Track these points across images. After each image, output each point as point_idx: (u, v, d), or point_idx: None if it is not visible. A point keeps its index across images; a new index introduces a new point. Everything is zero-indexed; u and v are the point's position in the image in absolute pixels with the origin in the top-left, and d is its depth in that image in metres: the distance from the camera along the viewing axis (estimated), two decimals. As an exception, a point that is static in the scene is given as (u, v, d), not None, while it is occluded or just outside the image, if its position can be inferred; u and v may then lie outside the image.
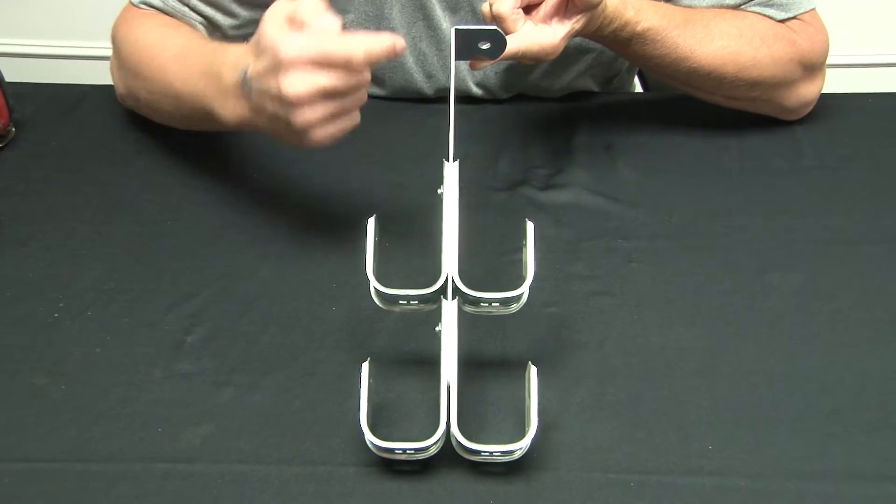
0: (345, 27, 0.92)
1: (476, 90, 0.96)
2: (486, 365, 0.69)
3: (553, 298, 0.74)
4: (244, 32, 0.92)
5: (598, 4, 0.74)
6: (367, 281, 0.63)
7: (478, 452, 0.61)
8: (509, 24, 0.73)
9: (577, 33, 0.76)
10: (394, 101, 0.96)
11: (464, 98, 0.96)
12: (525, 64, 0.83)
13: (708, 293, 0.75)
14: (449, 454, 0.62)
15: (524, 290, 0.63)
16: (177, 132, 0.86)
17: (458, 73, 0.94)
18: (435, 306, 0.64)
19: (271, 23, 0.65)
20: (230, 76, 0.69)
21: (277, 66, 0.64)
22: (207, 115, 0.74)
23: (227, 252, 0.79)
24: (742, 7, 0.88)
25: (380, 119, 0.94)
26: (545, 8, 0.74)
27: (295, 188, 0.85)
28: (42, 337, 0.72)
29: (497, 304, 0.63)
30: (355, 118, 0.68)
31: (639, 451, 0.64)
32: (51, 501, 0.61)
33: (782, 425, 0.65)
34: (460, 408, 0.61)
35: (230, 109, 0.71)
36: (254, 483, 0.62)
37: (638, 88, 1.16)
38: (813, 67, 0.89)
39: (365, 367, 0.61)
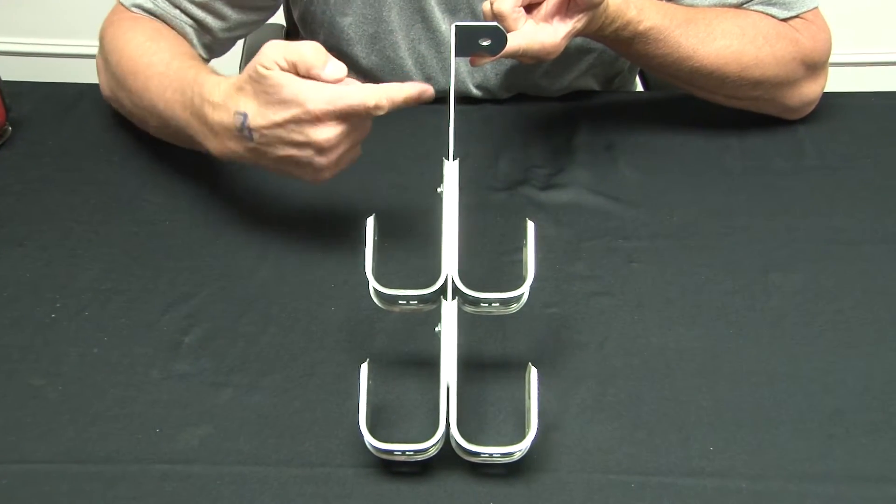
0: (344, 29, 0.93)
1: (476, 91, 0.95)
2: (486, 366, 0.69)
3: (553, 299, 0.74)
4: (233, 35, 0.92)
5: (599, 4, 0.74)
6: (367, 281, 0.63)
7: (477, 454, 0.60)
8: (510, 23, 0.73)
9: (579, 33, 0.76)
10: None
11: (464, 98, 0.95)
12: (526, 65, 0.83)
13: (709, 293, 0.75)
14: (448, 455, 0.61)
15: (524, 290, 0.62)
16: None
17: (458, 75, 0.93)
18: (434, 306, 0.63)
19: (285, 77, 0.65)
20: (217, 117, 0.69)
21: (306, 119, 0.66)
22: (193, 142, 0.74)
23: (226, 252, 0.78)
24: (744, 6, 0.88)
25: (379, 119, 0.93)
26: (546, 7, 0.74)
27: (294, 188, 0.84)
28: (39, 337, 0.71)
29: (497, 305, 0.63)
30: (359, 150, 0.71)
31: (639, 452, 0.63)
32: (48, 502, 0.61)
33: (784, 426, 0.65)
34: (460, 409, 0.61)
35: (220, 147, 0.71)
36: (252, 484, 0.61)
37: (639, 88, 1.16)
38: (815, 66, 0.88)
39: (364, 367, 0.61)
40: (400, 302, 0.63)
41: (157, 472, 0.62)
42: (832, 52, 0.90)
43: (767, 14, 0.87)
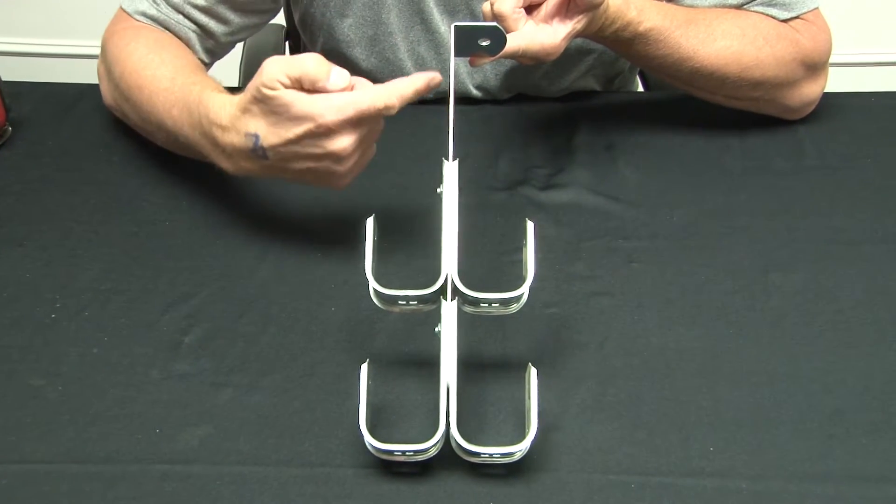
0: (344, 31, 0.93)
1: (476, 92, 0.95)
2: (486, 366, 0.69)
3: (553, 299, 0.74)
4: (235, 38, 0.92)
5: (599, 4, 0.74)
6: (367, 281, 0.63)
7: (477, 454, 0.60)
8: (510, 23, 0.73)
9: (579, 34, 0.76)
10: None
11: (464, 98, 0.95)
12: (525, 65, 0.83)
13: (709, 293, 0.75)
14: (448, 456, 0.61)
15: (524, 290, 0.62)
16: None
17: (457, 76, 0.93)
18: (434, 307, 0.63)
19: (292, 94, 0.65)
20: (227, 139, 0.69)
21: (320, 132, 0.66)
22: (204, 157, 0.74)
23: (226, 252, 0.78)
24: (745, 7, 0.88)
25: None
26: (546, 8, 0.74)
27: (293, 188, 0.84)
28: (39, 337, 0.71)
29: (497, 305, 0.63)
30: (374, 148, 0.72)
31: (639, 452, 0.63)
32: (48, 503, 0.60)
33: (784, 426, 0.65)
34: (460, 409, 0.61)
35: (234, 167, 0.71)
36: (252, 484, 0.61)
37: (639, 88, 1.16)
38: (816, 67, 0.88)
39: (364, 368, 0.61)
40: (400, 302, 0.63)
41: (156, 472, 0.62)
42: (832, 52, 0.90)
43: (768, 15, 0.87)
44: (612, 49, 0.87)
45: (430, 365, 0.64)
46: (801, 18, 0.88)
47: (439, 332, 0.62)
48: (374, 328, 0.72)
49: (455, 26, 0.70)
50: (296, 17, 1.01)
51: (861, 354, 0.70)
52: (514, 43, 0.73)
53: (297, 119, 0.65)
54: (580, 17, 0.74)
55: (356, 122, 0.66)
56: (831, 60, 0.91)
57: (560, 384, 0.67)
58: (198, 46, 0.88)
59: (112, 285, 0.75)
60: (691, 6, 0.87)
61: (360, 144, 0.68)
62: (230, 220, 0.81)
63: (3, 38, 1.85)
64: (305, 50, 1.06)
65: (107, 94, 0.87)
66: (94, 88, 0.94)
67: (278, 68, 0.65)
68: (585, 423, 0.65)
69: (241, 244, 0.79)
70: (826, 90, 0.91)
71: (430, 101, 0.96)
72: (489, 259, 0.78)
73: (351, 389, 0.63)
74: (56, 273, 0.76)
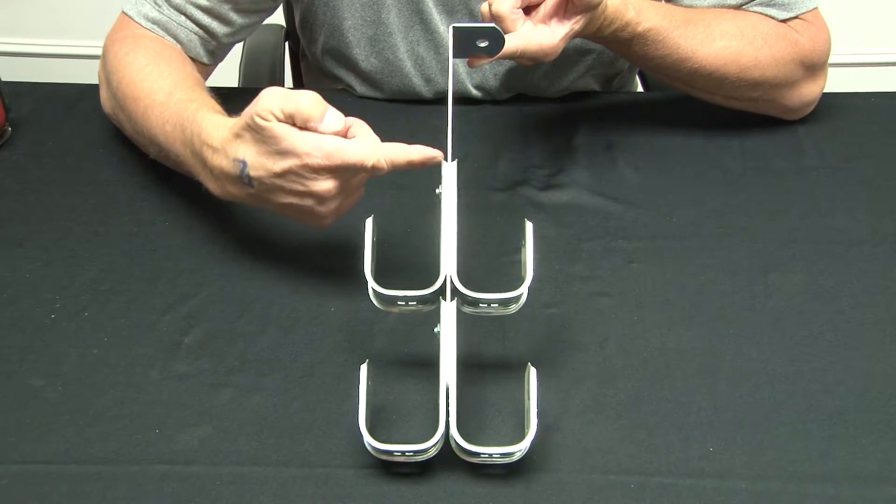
0: (344, 32, 0.93)
1: (475, 92, 0.95)
2: (486, 366, 0.69)
3: (553, 299, 0.74)
4: (236, 39, 0.92)
5: (597, 5, 0.74)
6: (366, 282, 0.63)
7: (477, 454, 0.60)
8: (508, 24, 0.73)
9: (577, 34, 0.76)
10: (393, 102, 0.96)
11: (463, 98, 0.95)
12: (525, 66, 0.83)
13: (709, 294, 0.75)
14: (448, 456, 0.61)
15: (523, 290, 0.62)
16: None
17: (457, 76, 0.93)
18: (434, 307, 0.63)
19: (282, 128, 0.64)
20: (216, 161, 0.68)
21: (304, 171, 0.65)
22: (193, 175, 0.73)
23: (225, 252, 0.78)
24: (744, 7, 0.88)
25: (378, 119, 0.93)
26: (545, 8, 0.74)
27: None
28: (38, 338, 0.71)
29: (496, 305, 0.63)
30: (363, 190, 0.70)
31: (639, 452, 0.63)
32: (47, 503, 0.60)
33: (784, 427, 0.65)
34: (459, 409, 0.61)
35: (220, 190, 0.70)
36: (252, 485, 0.61)
37: (639, 88, 1.16)
38: (815, 67, 0.88)
39: (364, 368, 0.61)
40: (399, 302, 0.63)
41: (156, 472, 0.62)
42: (831, 52, 0.90)
43: (766, 15, 0.87)
44: (610, 49, 0.87)
45: (430, 365, 0.64)
46: (800, 19, 0.88)
47: (439, 332, 0.62)
48: (374, 329, 0.72)
49: (453, 27, 0.70)
50: (296, 17, 1.01)
51: (861, 355, 0.70)
52: (512, 43, 0.73)
53: (284, 154, 0.65)
54: (578, 17, 0.74)
55: (341, 170, 0.65)
56: (830, 60, 0.91)
57: (560, 384, 0.67)
58: (200, 49, 0.88)
59: (112, 285, 0.75)
60: (690, 6, 0.87)
61: (344, 189, 0.67)
62: (230, 221, 0.81)
63: (3, 38, 1.85)
64: (306, 50, 1.06)
65: (105, 101, 0.87)
66: (93, 89, 0.94)
67: (274, 100, 0.64)
68: (585, 424, 0.65)
69: (241, 245, 0.79)
70: (825, 90, 0.91)
71: (430, 101, 0.96)
72: (488, 259, 0.78)
73: (350, 390, 0.63)
74: (56, 273, 0.76)
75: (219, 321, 0.72)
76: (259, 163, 0.66)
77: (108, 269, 0.77)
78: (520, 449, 0.60)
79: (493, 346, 0.71)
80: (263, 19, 0.94)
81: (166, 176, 0.85)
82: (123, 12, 0.87)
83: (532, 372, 0.61)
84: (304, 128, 0.64)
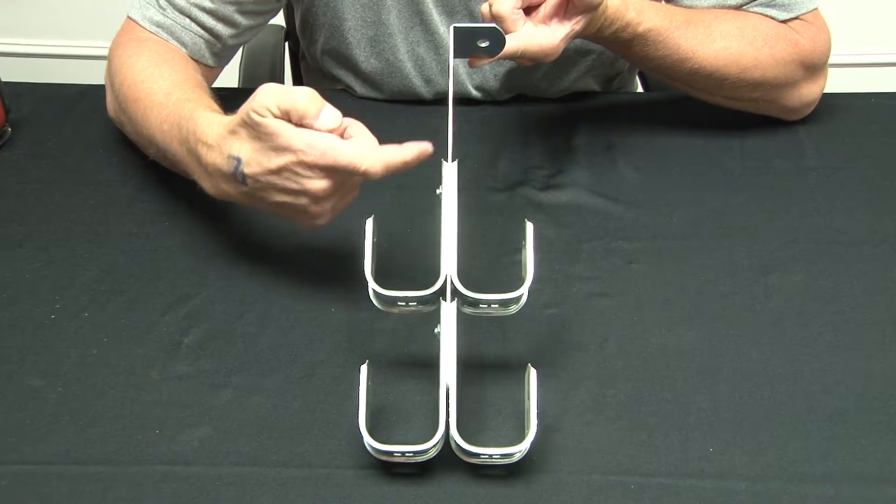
0: (344, 33, 0.93)
1: (475, 93, 0.95)
2: (486, 367, 0.69)
3: (553, 299, 0.74)
4: (240, 41, 0.92)
5: (598, 6, 0.74)
6: (366, 282, 0.63)
7: (477, 455, 0.60)
8: (509, 25, 0.73)
9: (578, 35, 0.76)
10: (393, 103, 0.96)
11: (464, 99, 0.95)
12: (525, 66, 0.83)
13: (709, 294, 0.75)
14: (448, 457, 0.61)
15: (523, 291, 0.62)
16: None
17: (457, 77, 0.93)
18: (434, 308, 0.63)
19: (279, 125, 0.64)
20: (211, 158, 0.68)
21: (299, 168, 0.65)
22: (189, 176, 0.73)
23: (225, 253, 0.78)
24: (744, 7, 0.88)
25: (378, 120, 0.92)
26: (545, 9, 0.74)
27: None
28: (38, 338, 0.71)
29: (496, 306, 0.63)
30: (357, 190, 0.70)
31: (639, 453, 0.63)
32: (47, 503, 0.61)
33: (783, 427, 0.65)
34: (459, 410, 0.61)
35: (214, 188, 0.70)
36: (252, 485, 0.61)
37: (639, 88, 1.16)
38: (815, 68, 0.88)
39: (364, 369, 0.61)
40: (399, 303, 0.63)
41: (156, 473, 0.62)
42: (832, 52, 0.90)
43: (767, 16, 0.87)
44: (611, 50, 0.87)
45: (430, 366, 0.64)
46: (801, 19, 0.88)
47: (439, 332, 0.62)
48: (374, 329, 0.72)
49: (454, 27, 0.70)
50: (297, 18, 1.00)
51: (861, 355, 0.70)
52: (512, 44, 0.73)
53: (279, 150, 0.64)
54: (579, 18, 0.74)
55: (335, 170, 0.65)
56: (830, 61, 0.91)
57: (559, 385, 0.67)
58: (205, 52, 0.88)
59: (111, 286, 0.75)
60: (690, 7, 0.87)
61: (338, 190, 0.67)
62: (230, 221, 0.81)
63: (4, 38, 1.85)
64: (306, 51, 1.06)
65: (109, 104, 0.87)
66: (93, 89, 0.94)
67: (270, 96, 0.64)
68: (585, 424, 0.65)
69: (241, 245, 0.79)
70: (825, 91, 0.91)
71: (430, 101, 0.96)
72: (489, 260, 0.78)
73: (350, 390, 0.63)
74: (56, 274, 0.76)
75: (219, 321, 0.72)
76: (254, 159, 0.66)
77: (108, 269, 0.77)
78: (520, 450, 0.60)
79: (493, 347, 0.71)
80: (267, 20, 0.94)
81: (166, 177, 0.85)
82: (129, 17, 0.87)
83: (532, 372, 0.61)
84: (300, 125, 0.64)
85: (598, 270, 0.77)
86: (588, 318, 0.73)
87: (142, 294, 0.75)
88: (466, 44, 0.72)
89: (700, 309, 0.74)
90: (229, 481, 0.62)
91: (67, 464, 0.63)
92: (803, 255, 0.78)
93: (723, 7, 0.87)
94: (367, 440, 0.60)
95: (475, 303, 0.62)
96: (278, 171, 0.65)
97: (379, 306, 0.64)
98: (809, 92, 0.89)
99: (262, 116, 0.64)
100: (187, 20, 0.86)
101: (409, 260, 0.76)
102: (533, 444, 0.60)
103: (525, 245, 0.63)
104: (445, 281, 0.62)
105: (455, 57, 0.71)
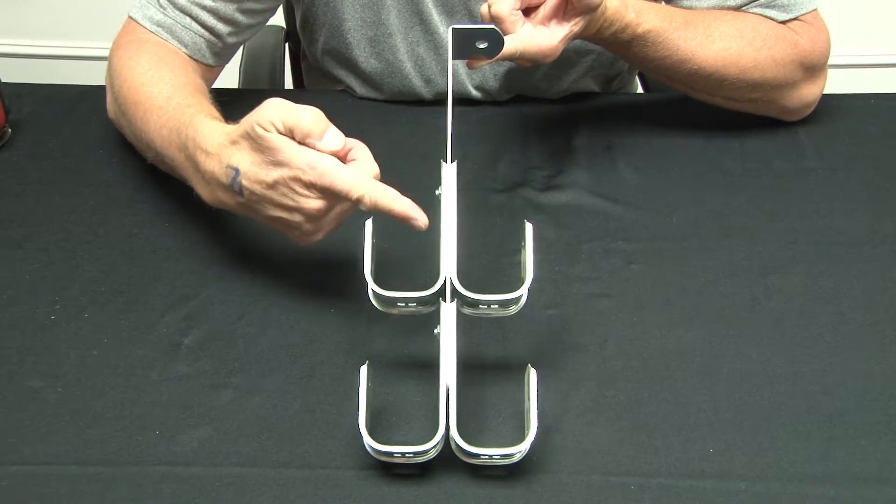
0: (344, 33, 0.93)
1: (475, 93, 0.95)
2: (486, 367, 0.69)
3: (553, 300, 0.74)
4: (240, 39, 0.92)
5: (597, 7, 0.74)
6: (366, 283, 0.63)
7: (477, 456, 0.60)
8: (508, 26, 0.73)
9: (577, 36, 0.76)
10: (393, 103, 0.96)
11: (463, 99, 0.95)
12: (525, 67, 0.83)
13: (709, 295, 0.75)
14: (448, 457, 0.61)
15: (523, 291, 0.62)
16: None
17: (456, 77, 0.93)
18: (433, 308, 0.63)
19: (281, 140, 0.64)
20: (209, 166, 0.68)
21: (296, 186, 0.65)
22: (186, 182, 0.73)
23: (225, 253, 0.78)
24: (743, 8, 0.88)
25: (378, 120, 0.93)
26: (544, 10, 0.74)
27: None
28: (38, 339, 0.71)
29: (496, 306, 0.63)
30: (351, 209, 0.69)
31: (639, 453, 0.63)
32: (47, 505, 0.61)
33: (783, 428, 0.65)
34: (459, 411, 0.61)
35: (210, 196, 0.70)
36: (252, 486, 0.61)
37: (639, 89, 1.16)
38: (814, 68, 0.88)
39: (363, 369, 0.61)
40: (399, 304, 0.63)
41: (156, 473, 0.62)
42: (831, 53, 0.90)
43: (766, 16, 0.87)
44: (610, 51, 0.87)
45: (430, 367, 0.64)
46: (800, 20, 0.88)
47: (439, 333, 0.62)
48: (374, 330, 0.72)
49: (453, 28, 0.70)
50: (297, 18, 1.01)
51: (860, 356, 0.70)
52: (511, 45, 0.73)
53: (279, 165, 0.64)
54: (578, 19, 0.74)
55: (329, 194, 0.65)
56: (830, 62, 0.91)
57: (559, 385, 0.67)
58: (206, 51, 0.88)
59: (111, 287, 0.75)
60: (689, 8, 0.87)
61: (332, 211, 0.67)
62: (230, 222, 0.81)
63: (4, 39, 1.85)
64: (306, 51, 1.06)
65: (109, 106, 0.87)
66: (94, 90, 0.94)
67: (276, 112, 0.64)
68: (585, 425, 0.65)
69: (241, 246, 0.79)
70: (825, 91, 0.91)
71: (430, 102, 0.96)
72: (488, 261, 0.78)
73: (350, 391, 0.63)
74: (55, 274, 0.76)
75: (218, 322, 0.72)
76: (252, 172, 0.66)
77: (108, 270, 0.77)
78: (520, 450, 0.60)
79: (493, 348, 0.71)
80: (267, 19, 0.94)
81: (166, 178, 0.85)
82: (130, 17, 0.87)
83: (532, 373, 0.61)
84: (302, 143, 0.64)
85: (597, 271, 0.77)
86: (588, 319, 0.73)
87: (142, 295, 0.75)
88: (465, 45, 0.72)
89: (700, 310, 0.74)
90: (229, 482, 0.62)
91: (67, 464, 0.63)
92: (803, 255, 0.78)
93: (722, 8, 0.87)
94: (367, 441, 0.60)
95: (475, 303, 0.62)
96: (275, 186, 0.65)
97: (379, 307, 0.64)
98: (809, 93, 0.89)
99: (266, 130, 0.64)
100: (188, 19, 0.86)
101: (408, 261, 0.76)
102: (533, 445, 0.60)
103: (525, 246, 0.63)
104: (445, 282, 0.62)
105: (454, 58, 0.71)
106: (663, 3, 0.87)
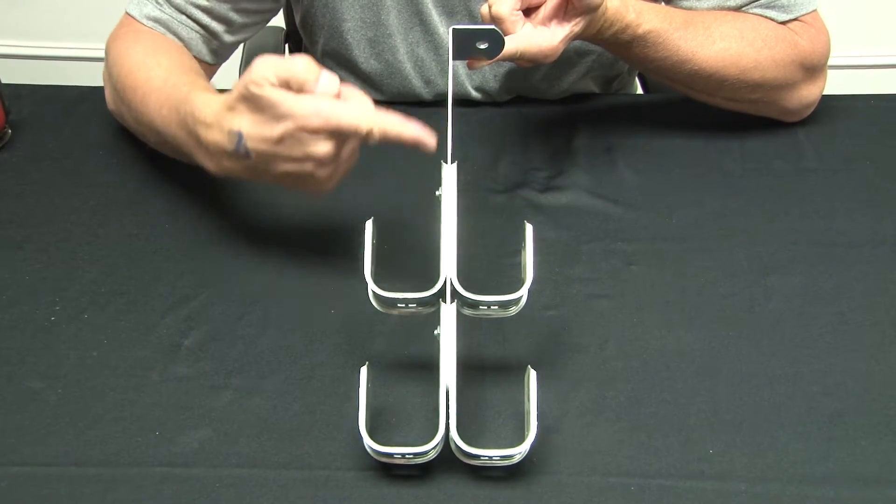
0: (343, 34, 0.93)
1: (475, 94, 0.95)
2: (486, 368, 0.69)
3: (553, 301, 0.74)
4: (238, 38, 0.92)
5: (597, 7, 0.74)
6: (366, 284, 0.63)
7: (477, 457, 0.60)
8: (508, 26, 0.73)
9: (577, 36, 0.76)
10: (392, 105, 0.96)
11: (463, 100, 0.95)
12: (524, 68, 0.83)
13: (708, 295, 0.75)
14: (448, 458, 0.61)
15: (523, 292, 0.62)
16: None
17: (456, 78, 0.93)
18: (433, 309, 0.63)
19: (279, 93, 0.64)
20: (211, 136, 0.68)
21: (302, 134, 0.65)
22: (191, 158, 0.73)
23: (225, 254, 0.78)
24: (743, 9, 0.88)
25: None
26: (544, 10, 0.74)
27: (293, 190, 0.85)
28: (38, 340, 0.71)
29: (496, 307, 0.63)
30: (357, 154, 0.70)
31: (639, 454, 0.63)
32: (47, 506, 0.61)
33: (783, 429, 0.65)
34: (459, 412, 0.61)
35: (216, 166, 0.70)
36: (251, 487, 0.61)
37: (639, 90, 1.16)
38: (814, 69, 0.88)
39: (363, 370, 0.61)
40: (399, 305, 0.63)
41: (156, 474, 0.62)
42: (831, 54, 0.90)
43: (766, 17, 0.87)
44: (610, 51, 0.87)
45: (430, 367, 0.64)
46: (800, 20, 0.88)
47: (438, 334, 0.62)
48: (374, 331, 0.72)
49: (453, 29, 0.70)
50: (297, 18, 1.01)
51: (861, 357, 0.70)
52: (511, 45, 0.73)
53: (281, 118, 0.65)
54: (578, 19, 0.74)
55: (337, 134, 0.65)
56: (830, 63, 0.91)
57: (559, 386, 0.67)
58: (203, 48, 0.88)
59: (111, 287, 0.75)
60: (689, 8, 0.87)
61: (341, 153, 0.67)
62: (230, 223, 0.81)
63: (3, 40, 1.85)
64: (306, 52, 1.06)
65: (109, 98, 0.87)
66: (94, 91, 0.94)
67: (268, 67, 0.64)
68: (585, 426, 0.65)
69: (241, 246, 0.79)
70: (825, 92, 0.91)
71: (429, 103, 0.96)
72: (488, 262, 0.78)
73: (350, 392, 0.63)
74: (55, 275, 0.76)
75: (218, 323, 0.72)
76: (256, 132, 0.66)
77: (108, 271, 0.77)
78: (520, 451, 0.60)
79: (492, 349, 0.71)
80: (266, 20, 0.94)
81: (166, 178, 0.86)
82: (126, 12, 0.88)
83: (532, 374, 0.61)
84: (299, 92, 0.65)
85: (597, 272, 0.77)
86: (588, 320, 0.73)
87: (142, 296, 0.75)
88: (465, 45, 0.72)
89: (700, 310, 0.74)
90: (229, 483, 0.62)
91: (67, 465, 0.63)
92: (803, 256, 0.78)
93: (722, 8, 0.87)
94: (367, 442, 0.60)
95: (475, 304, 0.62)
96: (281, 140, 0.65)
97: (379, 308, 0.64)
98: (809, 93, 0.89)
99: (261, 87, 0.64)
100: (184, 17, 0.86)
101: (408, 261, 0.76)
102: (533, 446, 0.60)
103: (525, 247, 0.63)
104: (445, 282, 0.62)
105: (454, 58, 0.71)
106: (663, 3, 0.87)
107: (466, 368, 0.65)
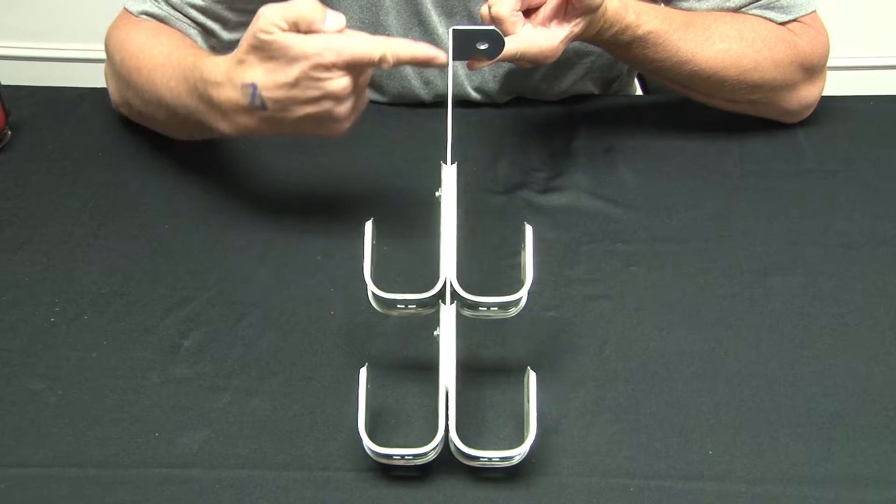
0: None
1: (475, 95, 0.95)
2: (485, 369, 0.69)
3: (552, 302, 0.74)
4: (235, 37, 0.92)
5: (597, 8, 0.74)
6: (365, 285, 0.63)
7: (476, 458, 0.60)
8: (508, 26, 0.73)
9: (577, 37, 0.76)
10: (392, 106, 0.96)
11: (463, 101, 0.95)
12: (524, 68, 0.83)
13: (708, 296, 0.75)
14: (447, 460, 0.61)
15: (523, 293, 0.62)
16: (174, 135, 0.86)
17: (456, 79, 0.93)
18: (433, 310, 0.63)
19: (289, 37, 0.65)
20: (224, 95, 0.69)
21: (318, 72, 0.66)
22: (203, 127, 0.74)
23: (225, 255, 0.78)
24: (743, 10, 0.88)
25: (378, 123, 0.93)
26: (544, 11, 0.74)
27: (293, 191, 0.85)
28: (38, 341, 0.71)
29: (496, 308, 0.63)
30: (367, 95, 0.72)
31: (638, 455, 0.63)
32: (46, 507, 0.61)
33: (783, 430, 0.65)
34: (459, 413, 0.61)
35: (232, 126, 0.71)
36: (251, 488, 0.61)
37: (638, 91, 1.16)
38: (814, 70, 0.88)
39: (363, 371, 0.61)
40: (398, 306, 0.63)
41: (156, 476, 0.62)
42: (831, 55, 0.90)
43: (766, 18, 0.87)
44: (610, 52, 0.87)
45: (429, 369, 0.64)
46: (799, 21, 0.88)
47: (438, 335, 0.62)
48: (373, 332, 0.72)
49: (453, 30, 0.70)
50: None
51: (860, 358, 0.70)
52: (511, 46, 0.73)
53: (295, 60, 0.66)
54: (578, 20, 0.74)
55: (352, 66, 0.67)
56: (829, 64, 0.91)
57: (559, 387, 0.67)
58: (202, 44, 0.88)
59: (111, 289, 0.75)
60: (689, 9, 0.87)
61: (356, 87, 0.68)
62: (229, 224, 0.81)
63: (3, 41, 1.85)
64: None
65: (113, 90, 0.87)
66: (93, 92, 0.94)
67: (275, 13, 0.65)
68: (584, 427, 0.65)
69: (241, 248, 0.79)
70: (825, 93, 0.91)
71: (429, 104, 0.96)
72: (488, 263, 0.78)
73: (350, 393, 0.63)
74: (55, 276, 0.76)
75: (218, 324, 0.72)
76: (270, 80, 0.67)
77: (108, 272, 0.77)
78: (519, 452, 0.60)
79: (492, 350, 0.71)
80: None
81: (166, 178, 0.86)
82: (124, 8, 0.88)
83: (531, 375, 0.61)
84: (308, 32, 0.66)
85: (597, 273, 0.77)
86: (587, 321, 0.73)
87: (141, 297, 0.75)
88: (465, 46, 0.72)
89: (699, 311, 0.74)
90: (229, 484, 0.62)
91: (67, 467, 0.63)
92: (803, 257, 0.78)
93: (722, 9, 0.87)
94: (367, 443, 0.60)
95: (474, 305, 0.62)
96: (297, 83, 0.66)
97: (378, 309, 0.64)
98: (808, 94, 0.89)
99: (270, 34, 0.65)
100: (180, 14, 0.87)
101: (408, 262, 0.76)
102: (532, 447, 0.60)
103: (524, 248, 0.63)
104: (445, 284, 0.62)
105: (454, 59, 0.71)
106: (663, 4, 0.87)
107: (466, 369, 0.65)
